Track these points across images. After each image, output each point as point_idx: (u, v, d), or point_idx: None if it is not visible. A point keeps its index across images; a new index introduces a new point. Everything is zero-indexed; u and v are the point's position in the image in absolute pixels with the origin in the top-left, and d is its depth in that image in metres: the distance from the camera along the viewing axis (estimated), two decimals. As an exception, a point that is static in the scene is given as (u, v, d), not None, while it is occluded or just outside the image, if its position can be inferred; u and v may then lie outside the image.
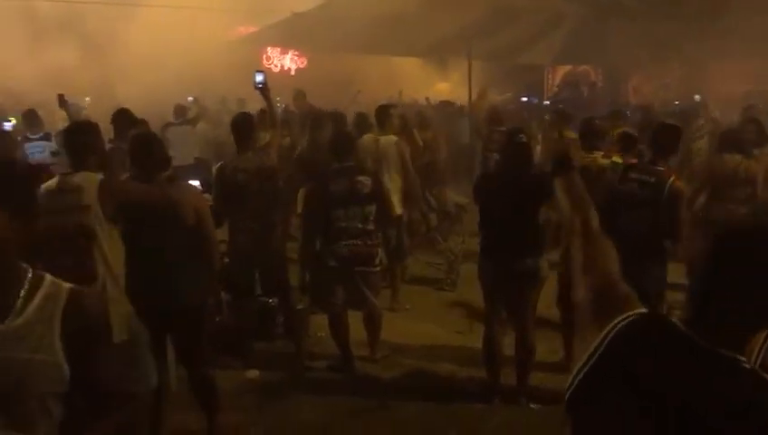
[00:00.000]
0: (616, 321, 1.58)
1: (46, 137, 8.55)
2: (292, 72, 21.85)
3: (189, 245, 4.24)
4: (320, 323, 6.01)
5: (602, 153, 5.68)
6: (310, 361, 5.78)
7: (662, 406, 1.45)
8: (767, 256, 1.49)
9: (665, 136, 4.92)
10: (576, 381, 1.59)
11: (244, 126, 5.67)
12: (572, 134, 8.59)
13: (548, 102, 17.27)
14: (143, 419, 4.08)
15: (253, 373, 5.54)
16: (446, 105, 13.39)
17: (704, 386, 1.45)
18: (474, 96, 13.86)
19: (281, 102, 13.30)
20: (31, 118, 8.45)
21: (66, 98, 7.25)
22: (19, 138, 8.31)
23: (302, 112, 9.60)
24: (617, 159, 5.58)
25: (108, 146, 5.73)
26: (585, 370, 1.58)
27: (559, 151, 2.09)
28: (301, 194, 6.83)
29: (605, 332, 1.57)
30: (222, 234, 5.55)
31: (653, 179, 4.72)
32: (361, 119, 8.06)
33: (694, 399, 1.44)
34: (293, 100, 10.82)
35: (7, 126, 7.72)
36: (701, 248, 1.58)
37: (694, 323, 1.53)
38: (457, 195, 9.79)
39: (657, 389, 1.47)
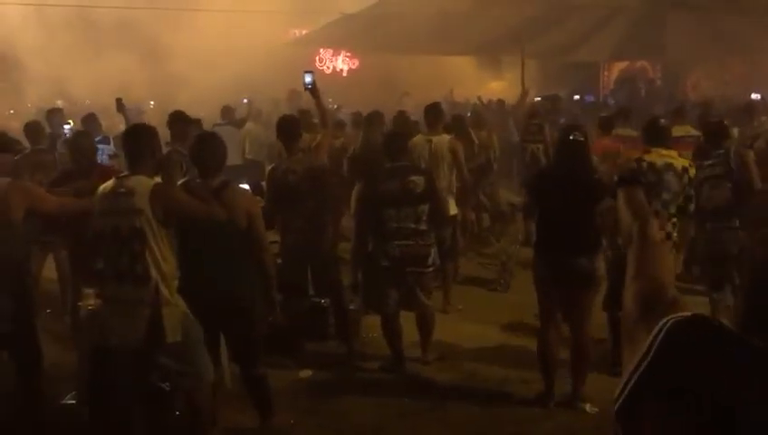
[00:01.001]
0: (661, 324, 1.52)
1: (104, 140, 8.76)
2: (345, 74, 21.95)
3: (241, 247, 4.28)
4: (372, 324, 6.00)
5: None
6: (361, 361, 5.77)
7: (717, 413, 1.39)
8: None
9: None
10: (626, 390, 1.54)
11: (289, 128, 5.72)
12: (632, 132, 8.53)
13: (607, 100, 16.90)
14: (207, 410, 4.15)
15: (305, 373, 5.56)
16: (498, 104, 13.24)
17: (762, 389, 1.38)
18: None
19: (332, 103, 13.38)
20: (90, 121, 8.67)
21: (125, 102, 7.43)
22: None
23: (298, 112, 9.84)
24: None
25: (165, 149, 5.87)
26: (635, 378, 1.52)
27: (626, 169, 2.06)
28: (354, 194, 6.85)
29: (652, 336, 1.51)
30: (274, 235, 5.60)
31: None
32: (401, 118, 8.03)
33: (753, 404, 1.37)
34: (287, 98, 10.90)
35: (66, 128, 7.94)
36: (756, 249, 1.53)
37: (746, 324, 1.47)
38: (510, 194, 9.67)
39: (711, 396, 1.41)
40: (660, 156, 5.21)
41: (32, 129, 7.23)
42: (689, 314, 1.57)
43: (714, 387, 1.42)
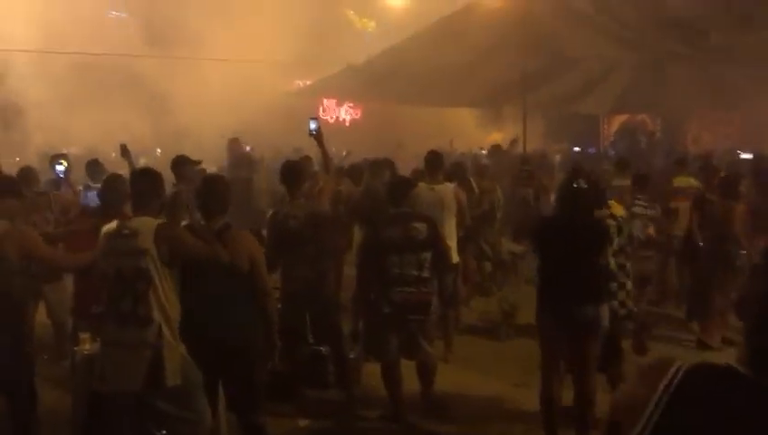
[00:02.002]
0: (672, 371, 1.53)
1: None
2: (347, 123, 22.17)
3: (243, 290, 4.25)
4: (372, 372, 5.92)
5: None
6: (361, 410, 5.68)
7: None
8: None
9: None
10: (651, 424, 1.50)
11: (293, 173, 5.73)
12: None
13: (608, 152, 17.03)
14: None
15: (304, 422, 5.47)
16: (497, 151, 13.29)
17: None
18: (527, 145, 13.98)
19: (342, 150, 13.45)
20: (93, 167, 8.70)
21: (131, 150, 7.50)
22: (81, 187, 8.55)
23: (237, 156, 10.08)
24: None
25: (171, 191, 5.91)
26: (649, 428, 1.50)
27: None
28: (355, 241, 6.84)
29: (663, 385, 1.52)
30: (275, 281, 5.57)
31: None
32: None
33: None
34: (228, 145, 10.99)
35: (59, 169, 7.98)
36: (757, 290, 1.54)
37: (755, 366, 1.47)
38: (511, 243, 9.66)
39: None
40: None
41: (24, 173, 7.31)
42: (695, 362, 1.56)
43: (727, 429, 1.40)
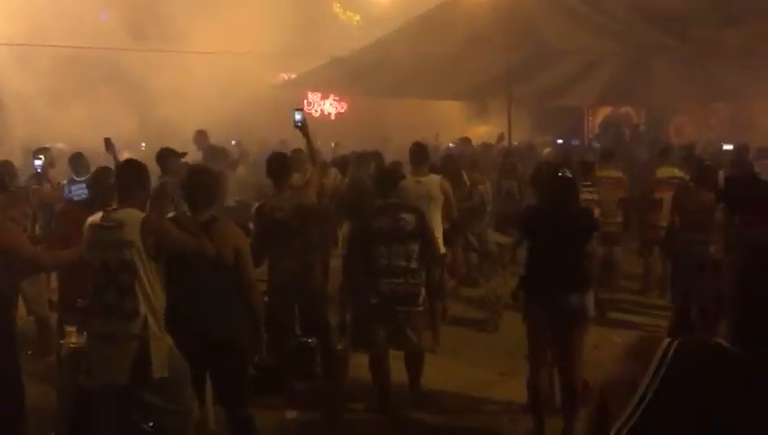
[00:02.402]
0: (663, 349, 1.54)
1: (87, 183, 8.71)
2: (332, 117, 22.11)
3: (229, 283, 4.23)
4: (360, 363, 5.92)
5: None
6: (349, 401, 5.69)
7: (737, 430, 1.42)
8: None
9: None
10: (632, 421, 1.51)
11: (279, 165, 5.71)
12: (618, 173, 8.71)
13: (593, 144, 17.11)
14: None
15: (292, 414, 5.47)
16: (485, 147, 13.39)
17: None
18: (512, 138, 14.04)
19: (320, 145, 13.42)
20: (77, 161, 8.63)
21: (114, 142, 7.44)
22: (65, 181, 8.48)
23: (206, 149, 9.89)
24: None
25: (157, 183, 5.89)
26: (642, 407, 1.51)
27: None
28: (342, 233, 6.83)
29: (654, 364, 1.53)
30: (262, 273, 5.55)
31: None
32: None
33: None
34: (195, 137, 10.94)
35: (37, 163, 7.90)
36: (733, 264, 1.59)
37: (737, 341, 1.52)
38: (498, 235, 9.69)
39: (730, 415, 1.43)
40: None
41: (2, 168, 7.24)
42: (681, 337, 1.58)
43: (733, 410, 1.45)
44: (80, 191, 8.55)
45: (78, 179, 8.67)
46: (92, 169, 8.96)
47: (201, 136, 10.91)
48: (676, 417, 1.48)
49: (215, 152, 10.22)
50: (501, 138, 13.67)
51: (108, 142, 7.15)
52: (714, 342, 1.56)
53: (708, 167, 7.64)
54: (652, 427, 1.49)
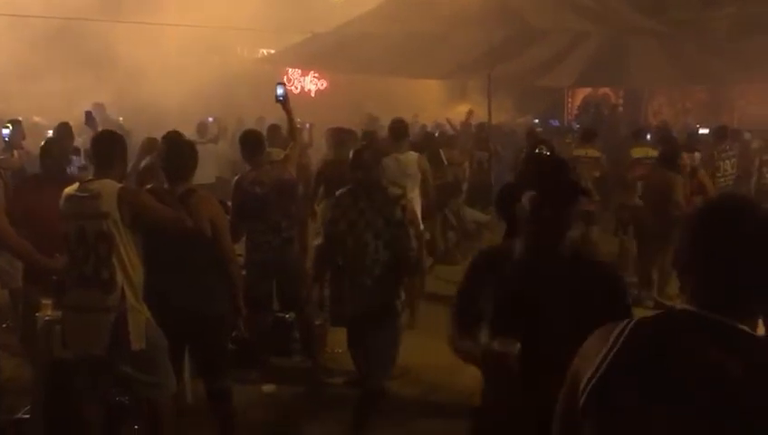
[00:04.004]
0: (624, 323, 1.59)
1: (75, 151, 8.59)
2: (312, 94, 21.98)
3: (206, 256, 4.22)
4: (337, 339, 5.94)
5: None
6: (326, 376, 5.71)
7: (700, 388, 1.46)
8: (741, 222, 1.53)
9: None
10: (590, 385, 1.56)
11: (251, 142, 5.69)
12: (596, 153, 8.82)
13: (572, 125, 17.22)
14: (168, 423, 4.05)
15: (269, 388, 5.49)
16: (464, 126, 13.51)
17: (733, 360, 1.46)
18: (491, 118, 14.08)
19: (301, 123, 13.35)
20: (63, 130, 8.52)
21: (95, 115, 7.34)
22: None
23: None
24: None
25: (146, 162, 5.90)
26: (600, 373, 1.55)
27: None
28: (320, 209, 6.82)
29: (614, 334, 1.57)
30: (240, 248, 5.54)
31: None
32: (369, 137, 8.08)
33: (728, 375, 1.45)
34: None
35: (5, 132, 7.76)
36: (685, 226, 1.63)
37: (697, 302, 1.55)
38: (476, 212, 9.75)
39: (690, 373, 1.47)
40: None
41: None
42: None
43: (693, 368, 1.48)
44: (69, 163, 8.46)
45: None
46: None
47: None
48: (631, 377, 1.51)
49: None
50: (470, 114, 14.37)
51: (89, 116, 7.07)
52: (674, 307, 1.60)
53: (671, 148, 7.86)
54: (608, 391, 1.53)
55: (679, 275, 1.64)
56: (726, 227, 1.54)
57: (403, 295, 4.87)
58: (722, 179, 8.98)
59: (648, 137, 10.78)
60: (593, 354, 1.58)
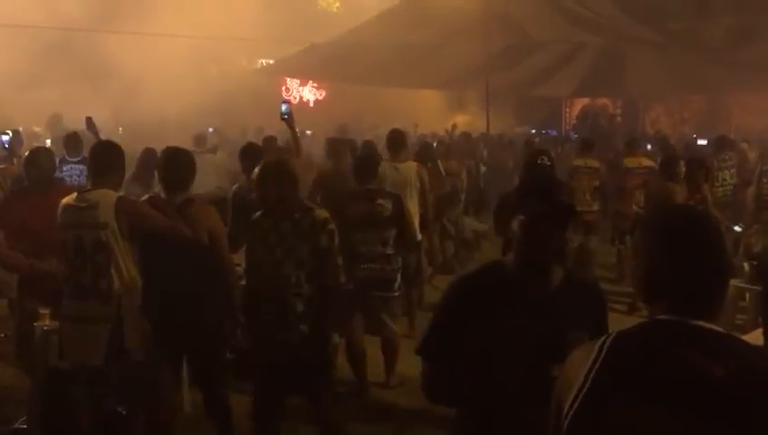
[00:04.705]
0: (601, 340, 1.59)
1: (84, 161, 8.58)
2: (311, 104, 22.03)
3: (204, 265, 4.21)
4: (336, 349, 5.92)
5: None
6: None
7: (684, 393, 1.47)
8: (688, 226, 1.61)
9: None
10: (575, 405, 1.55)
11: (251, 154, 5.72)
12: (595, 163, 8.86)
13: (570, 135, 17.27)
14: (166, 432, 4.03)
15: (267, 398, 5.45)
16: (465, 137, 13.55)
17: (710, 363, 1.48)
18: (490, 128, 14.15)
19: (300, 131, 13.37)
20: (72, 141, 8.52)
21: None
22: (58, 159, 8.35)
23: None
24: None
25: None
26: (584, 391, 1.55)
27: None
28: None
29: (593, 354, 1.57)
30: (239, 257, 5.52)
31: None
32: (368, 147, 8.10)
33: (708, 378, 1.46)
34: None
35: (4, 138, 7.74)
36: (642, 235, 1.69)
37: (677, 309, 1.57)
38: (474, 222, 9.76)
39: (675, 380, 1.48)
40: None
41: None
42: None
43: (676, 372, 1.50)
44: (72, 172, 8.45)
45: (71, 160, 8.56)
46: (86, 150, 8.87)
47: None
48: (615, 391, 1.51)
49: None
50: (454, 127, 14.68)
51: (89, 122, 7.08)
52: (649, 319, 1.62)
53: (670, 158, 7.90)
54: (592, 408, 1.53)
55: (650, 288, 1.65)
56: (695, 237, 1.59)
57: (338, 337, 4.39)
58: (720, 189, 9.00)
59: (649, 147, 10.88)
60: (574, 375, 1.58)
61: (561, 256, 2.39)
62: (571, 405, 1.55)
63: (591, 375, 1.54)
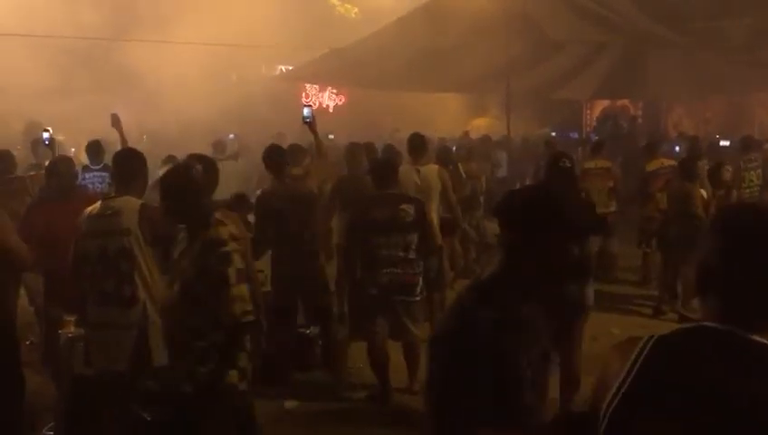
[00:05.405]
0: (644, 341, 1.53)
1: (106, 168, 8.66)
2: (331, 110, 22.09)
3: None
4: (359, 354, 5.92)
5: None
6: (348, 391, 5.69)
7: (721, 407, 1.40)
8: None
9: None
10: (610, 409, 1.51)
11: (276, 156, 5.73)
12: (606, 162, 8.87)
13: (591, 137, 17.16)
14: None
15: (291, 404, 5.47)
16: (485, 139, 13.56)
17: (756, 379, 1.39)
18: (511, 131, 14.09)
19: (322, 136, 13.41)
20: (94, 148, 8.60)
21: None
22: (80, 167, 8.42)
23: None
24: None
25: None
26: (619, 397, 1.50)
27: None
28: (336, 223, 6.82)
29: (634, 354, 1.51)
30: (261, 264, 5.54)
31: None
32: (389, 150, 8.10)
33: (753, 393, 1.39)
34: (212, 145, 11.09)
35: (45, 135, 7.77)
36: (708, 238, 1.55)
37: (727, 317, 1.48)
38: (496, 226, 9.71)
39: (713, 390, 1.41)
40: None
41: (2, 158, 7.17)
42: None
43: (717, 386, 1.42)
44: (94, 179, 8.54)
45: (94, 167, 8.65)
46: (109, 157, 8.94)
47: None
48: (651, 402, 1.46)
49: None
50: (466, 133, 15.34)
51: (114, 118, 7.11)
52: (696, 324, 1.53)
53: (688, 158, 7.99)
54: (623, 417, 1.48)
55: (701, 290, 1.56)
56: (754, 239, 1.48)
57: (243, 384, 3.52)
58: (747, 190, 8.90)
59: (677, 148, 10.80)
60: (611, 374, 1.53)
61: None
62: (607, 408, 1.51)
63: (628, 381, 1.49)
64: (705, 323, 1.51)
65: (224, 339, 3.32)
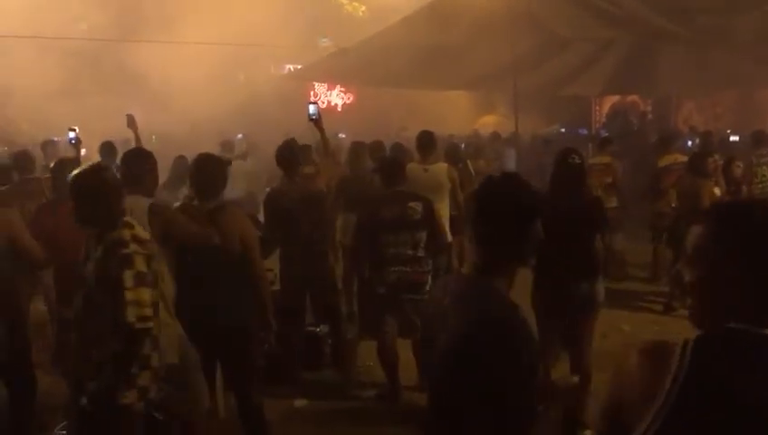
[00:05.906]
0: (679, 351, 1.46)
1: (117, 169, 8.67)
2: (339, 108, 22.09)
3: (236, 271, 4.23)
4: (368, 352, 5.92)
5: None
6: (358, 390, 5.69)
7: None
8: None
9: None
10: (660, 419, 1.43)
11: (288, 154, 5.72)
12: (607, 158, 8.85)
13: (600, 133, 17.10)
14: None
15: (300, 402, 5.48)
16: (494, 137, 13.56)
17: None
18: (519, 127, 14.07)
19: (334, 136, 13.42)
20: (107, 149, 8.64)
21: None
22: None
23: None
24: None
25: None
26: (671, 402, 1.42)
27: None
28: (340, 222, 6.82)
29: (674, 367, 1.44)
30: (270, 262, 5.54)
31: None
32: (397, 148, 8.09)
33: None
34: (220, 144, 11.09)
35: (71, 135, 7.75)
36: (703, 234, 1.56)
37: (751, 317, 1.45)
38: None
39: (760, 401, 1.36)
40: None
41: (21, 158, 7.18)
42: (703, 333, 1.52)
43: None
44: None
45: None
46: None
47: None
48: (705, 413, 1.39)
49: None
50: (475, 134, 15.43)
51: (130, 118, 7.12)
52: (729, 328, 1.48)
53: (699, 153, 7.96)
54: (676, 429, 1.42)
55: (713, 289, 1.52)
56: (763, 236, 1.45)
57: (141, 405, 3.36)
58: (759, 186, 8.83)
59: (690, 143, 10.72)
60: (641, 385, 1.46)
61: None
62: (653, 421, 1.42)
63: (675, 390, 1.41)
64: (739, 327, 1.45)
65: (122, 348, 3.17)
